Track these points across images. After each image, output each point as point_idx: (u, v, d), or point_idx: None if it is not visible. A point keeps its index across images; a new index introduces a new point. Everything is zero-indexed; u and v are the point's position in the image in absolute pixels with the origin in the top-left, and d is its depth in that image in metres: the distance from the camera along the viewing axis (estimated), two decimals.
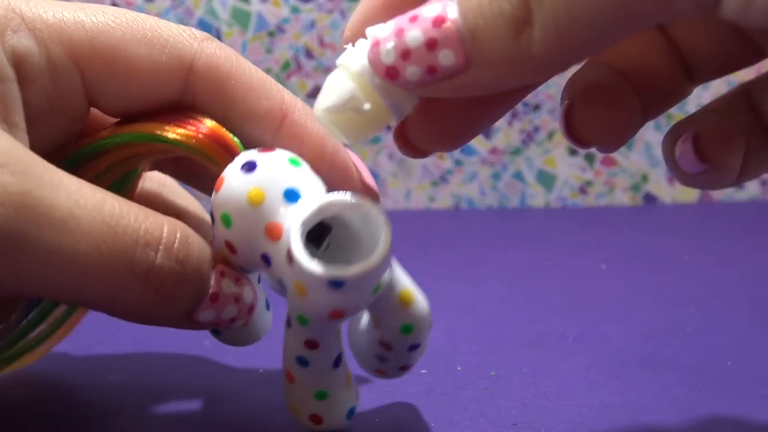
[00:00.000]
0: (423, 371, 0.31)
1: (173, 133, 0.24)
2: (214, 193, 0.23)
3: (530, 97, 0.59)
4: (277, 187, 0.22)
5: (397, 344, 0.25)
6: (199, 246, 0.23)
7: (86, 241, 0.20)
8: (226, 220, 0.23)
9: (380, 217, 0.21)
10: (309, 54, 0.59)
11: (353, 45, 0.20)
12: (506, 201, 0.61)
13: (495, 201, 0.61)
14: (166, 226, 0.22)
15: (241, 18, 0.58)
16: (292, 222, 0.21)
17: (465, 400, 0.29)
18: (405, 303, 0.24)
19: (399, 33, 0.18)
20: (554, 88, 0.59)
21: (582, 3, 0.16)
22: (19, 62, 0.23)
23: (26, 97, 0.23)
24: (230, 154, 0.24)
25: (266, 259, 0.23)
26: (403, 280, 0.25)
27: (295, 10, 0.58)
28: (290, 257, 0.21)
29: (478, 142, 0.61)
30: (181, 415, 0.28)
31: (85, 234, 0.20)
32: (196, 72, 0.24)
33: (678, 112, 0.59)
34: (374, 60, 0.19)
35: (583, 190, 0.61)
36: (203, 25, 0.58)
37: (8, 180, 0.19)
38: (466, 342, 0.34)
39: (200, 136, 0.24)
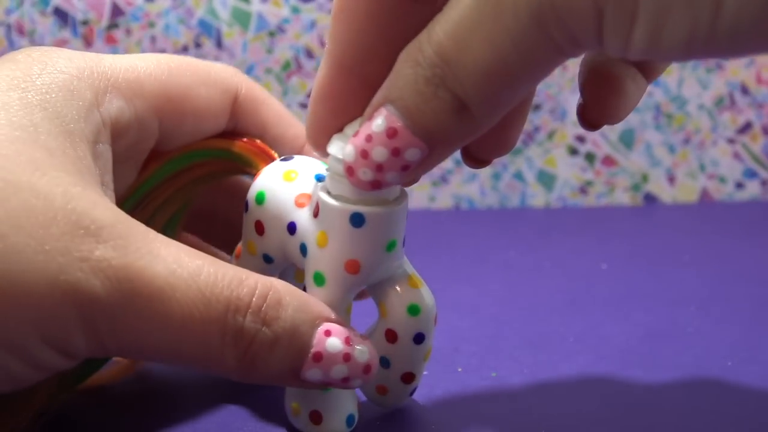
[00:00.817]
0: (424, 373, 0.31)
1: (232, 146, 0.28)
2: (252, 185, 0.26)
3: None
4: (309, 171, 0.26)
5: (403, 331, 0.25)
6: (294, 307, 0.23)
7: (181, 310, 0.21)
8: (260, 198, 0.26)
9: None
10: (309, 54, 0.59)
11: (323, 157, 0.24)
12: (506, 201, 0.61)
13: (495, 201, 0.61)
14: (257, 290, 0.22)
15: (241, 18, 0.58)
16: (320, 185, 0.24)
17: (465, 401, 0.29)
18: (413, 284, 0.25)
19: (364, 155, 0.21)
20: (554, 88, 0.59)
21: (497, 68, 0.19)
22: (114, 123, 0.25)
23: (114, 152, 0.25)
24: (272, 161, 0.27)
25: (292, 228, 0.25)
26: (412, 269, 0.26)
27: (295, 10, 0.58)
28: (317, 210, 0.24)
29: None
30: (180, 415, 0.28)
31: (180, 303, 0.21)
32: (240, 102, 0.28)
33: (678, 112, 0.59)
34: (357, 182, 0.22)
35: (583, 190, 0.61)
36: (203, 25, 0.58)
37: (112, 254, 0.21)
38: (466, 343, 0.34)
39: (252, 147, 0.28)
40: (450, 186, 0.61)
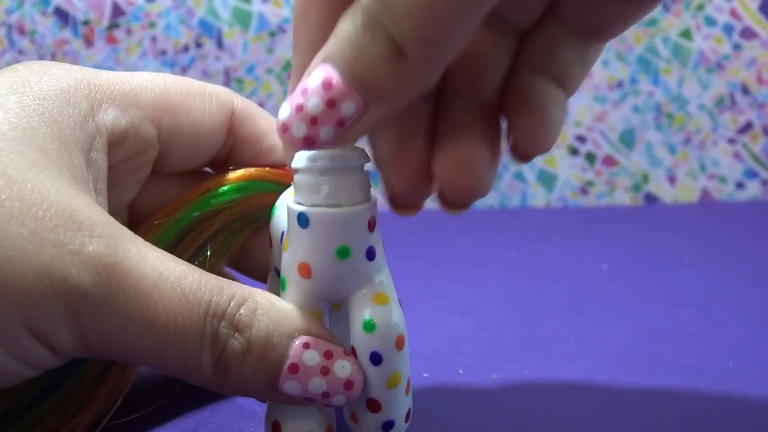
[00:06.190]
0: (425, 375, 0.31)
1: (267, 175, 0.28)
2: None
3: None
4: None
5: (359, 348, 0.24)
6: (270, 318, 0.23)
7: (165, 312, 0.22)
8: (272, 213, 0.27)
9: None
10: None
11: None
12: (507, 201, 0.61)
13: (496, 201, 0.61)
14: (234, 298, 0.23)
15: (242, 18, 0.58)
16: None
17: (467, 403, 0.29)
18: (379, 300, 0.24)
19: (299, 109, 0.21)
20: None
21: (436, 13, 0.19)
22: (110, 132, 0.25)
23: (112, 162, 0.26)
24: None
25: (281, 237, 0.25)
26: (389, 288, 0.24)
27: None
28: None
29: None
30: (179, 415, 0.28)
31: (165, 305, 0.22)
32: (237, 116, 0.29)
33: (679, 113, 0.59)
34: (291, 140, 0.21)
35: (583, 190, 0.61)
36: (204, 25, 0.58)
37: (103, 250, 0.21)
38: (467, 345, 0.34)
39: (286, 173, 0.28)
40: None
